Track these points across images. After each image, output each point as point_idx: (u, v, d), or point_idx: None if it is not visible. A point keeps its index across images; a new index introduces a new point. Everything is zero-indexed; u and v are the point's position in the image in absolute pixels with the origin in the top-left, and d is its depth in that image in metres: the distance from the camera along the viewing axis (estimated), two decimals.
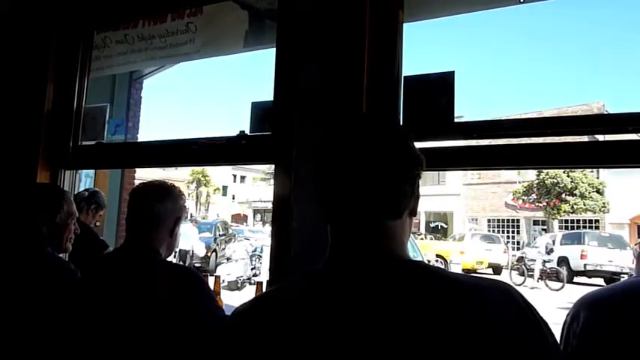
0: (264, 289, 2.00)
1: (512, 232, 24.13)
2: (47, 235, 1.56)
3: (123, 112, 5.74)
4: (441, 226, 26.08)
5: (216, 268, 11.79)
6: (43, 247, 1.55)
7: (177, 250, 11.80)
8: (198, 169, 31.65)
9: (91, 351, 1.26)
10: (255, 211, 36.50)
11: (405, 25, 1.56)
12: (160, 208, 1.41)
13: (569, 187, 20.22)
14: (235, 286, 9.83)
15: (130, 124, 5.89)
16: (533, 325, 0.65)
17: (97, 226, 3.09)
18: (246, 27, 2.11)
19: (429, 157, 1.42)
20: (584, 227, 19.97)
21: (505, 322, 0.63)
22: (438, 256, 14.20)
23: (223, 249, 14.00)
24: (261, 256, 10.97)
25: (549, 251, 13.12)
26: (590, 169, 19.55)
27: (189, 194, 32.83)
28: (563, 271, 12.23)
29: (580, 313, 1.08)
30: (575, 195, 20.20)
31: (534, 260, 12.99)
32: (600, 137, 1.43)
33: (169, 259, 1.49)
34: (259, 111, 1.78)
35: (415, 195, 0.74)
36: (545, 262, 12.78)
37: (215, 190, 35.43)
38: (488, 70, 43.10)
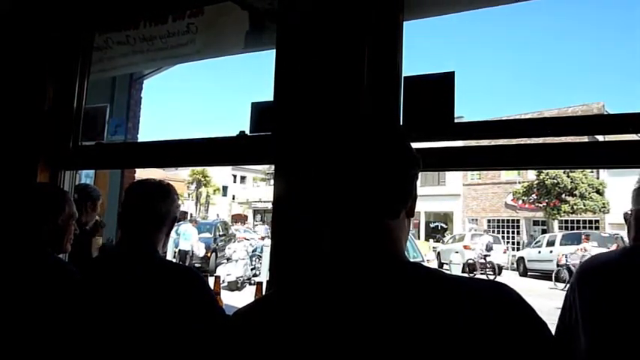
0: (264, 290, 2.00)
1: (513, 232, 24.13)
2: (48, 236, 1.56)
3: (123, 113, 5.74)
4: (441, 226, 26.08)
5: (216, 268, 11.79)
6: (44, 247, 1.54)
7: (178, 249, 11.81)
8: (199, 169, 31.61)
9: (92, 351, 1.26)
10: (255, 212, 36.49)
11: (405, 25, 1.56)
12: (163, 208, 1.41)
13: (569, 187, 20.21)
14: (235, 286, 9.84)
15: (129, 124, 5.89)
16: (533, 325, 0.65)
17: (101, 227, 3.04)
18: (247, 28, 2.11)
19: (429, 157, 1.44)
20: (584, 228, 19.97)
21: (505, 322, 0.63)
22: None
23: (223, 249, 13.99)
24: (261, 256, 10.97)
25: (489, 249, 15.55)
26: (590, 170, 19.54)
27: (189, 194, 32.83)
28: (496, 265, 14.98)
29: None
30: (575, 195, 20.19)
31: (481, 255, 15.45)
32: (600, 137, 1.43)
33: (168, 258, 1.49)
34: (259, 111, 1.78)
35: (413, 195, 0.75)
36: (485, 256, 15.24)
37: (215, 190, 35.40)
38: (488, 70, 43.11)
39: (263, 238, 14.40)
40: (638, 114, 1.28)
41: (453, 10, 1.72)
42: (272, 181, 1.67)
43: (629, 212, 1.24)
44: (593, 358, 1.07)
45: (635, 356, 1.03)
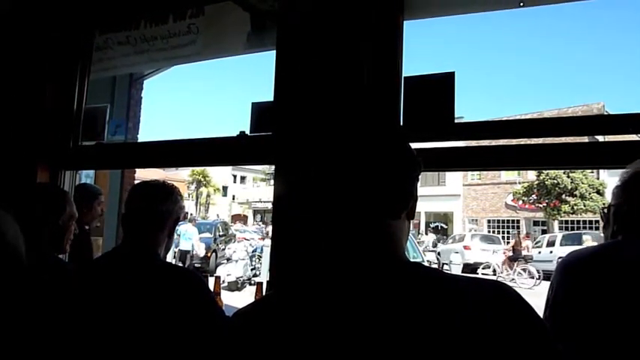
0: (264, 290, 2.00)
1: (513, 232, 24.12)
2: (49, 236, 1.56)
3: (123, 113, 5.73)
4: (441, 226, 26.08)
5: (216, 268, 11.78)
6: (44, 248, 1.54)
7: (178, 250, 11.80)
8: (199, 169, 31.60)
9: (91, 352, 1.26)
10: (256, 212, 36.47)
11: (406, 25, 1.56)
12: (164, 209, 1.41)
13: (570, 187, 20.22)
14: (235, 286, 9.83)
15: (130, 124, 5.89)
16: (532, 324, 0.65)
17: (97, 227, 3.05)
18: (248, 28, 2.11)
19: (430, 158, 1.44)
20: (585, 228, 19.97)
21: (504, 322, 0.63)
22: None
23: (223, 249, 13.97)
24: (261, 257, 10.97)
25: (434, 245, 17.73)
26: (590, 170, 19.54)
27: (189, 195, 32.82)
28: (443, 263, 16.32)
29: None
30: (576, 196, 20.20)
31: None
32: (600, 137, 1.43)
33: (168, 259, 1.49)
34: (259, 111, 1.78)
35: (414, 196, 0.75)
36: (431, 250, 17.15)
37: (215, 190, 35.38)
38: (488, 71, 43.13)
39: (263, 239, 14.40)
40: (638, 114, 1.28)
41: (452, 12, 1.72)
42: (272, 181, 1.67)
43: (606, 209, 1.23)
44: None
45: (614, 349, 1.02)
